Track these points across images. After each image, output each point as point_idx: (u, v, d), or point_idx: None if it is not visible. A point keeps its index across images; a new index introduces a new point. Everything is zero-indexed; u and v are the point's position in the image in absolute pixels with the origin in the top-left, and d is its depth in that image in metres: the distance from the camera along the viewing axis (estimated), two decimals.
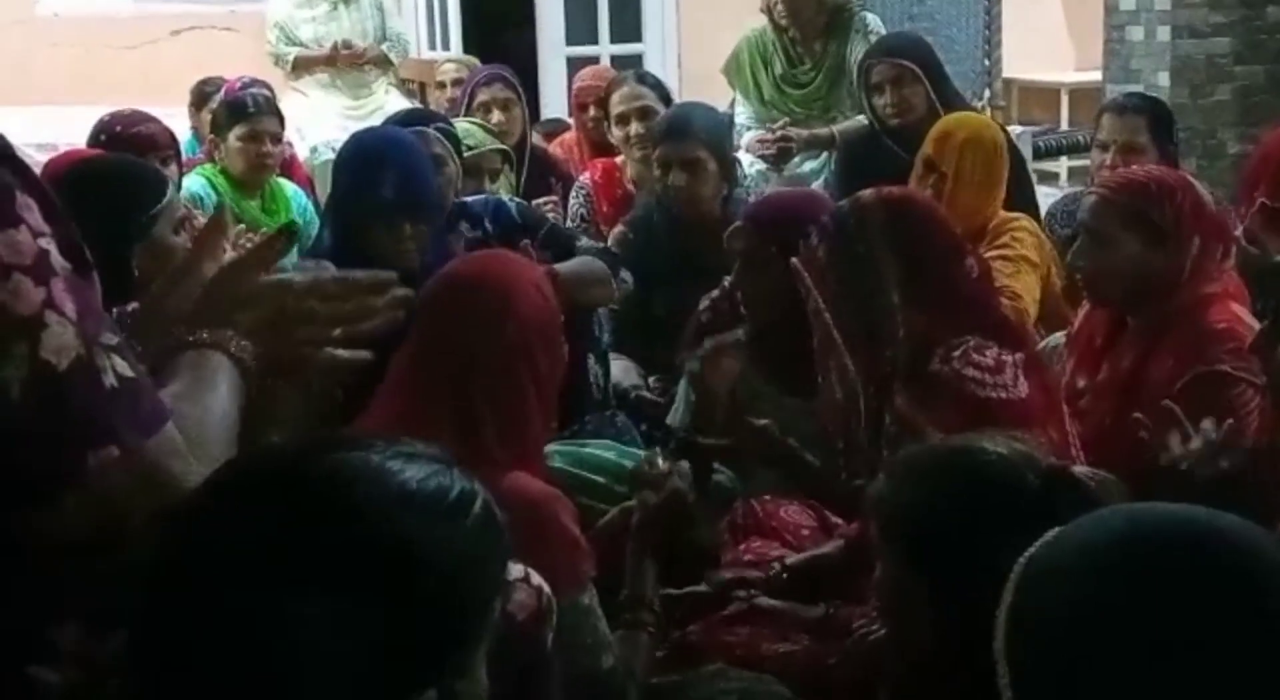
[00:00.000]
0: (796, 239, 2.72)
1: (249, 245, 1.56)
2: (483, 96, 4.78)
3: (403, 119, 4.05)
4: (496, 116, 4.68)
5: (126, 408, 1.22)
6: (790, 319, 2.76)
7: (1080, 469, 1.78)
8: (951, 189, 3.58)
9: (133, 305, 1.96)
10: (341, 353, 1.51)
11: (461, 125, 4.20)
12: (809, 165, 4.87)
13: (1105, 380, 2.80)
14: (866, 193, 2.63)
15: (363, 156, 3.17)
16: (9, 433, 1.17)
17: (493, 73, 4.96)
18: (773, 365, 3.01)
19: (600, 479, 2.74)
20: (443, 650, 1.10)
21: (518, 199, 3.89)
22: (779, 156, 4.79)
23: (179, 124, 5.08)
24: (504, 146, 4.30)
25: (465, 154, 3.96)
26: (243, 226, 3.79)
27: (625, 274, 3.39)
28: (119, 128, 3.94)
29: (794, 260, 2.63)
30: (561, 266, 2.99)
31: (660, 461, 2.49)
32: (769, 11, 5.05)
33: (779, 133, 4.80)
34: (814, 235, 2.62)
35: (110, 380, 1.22)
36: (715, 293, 3.15)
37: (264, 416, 1.44)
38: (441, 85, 5.61)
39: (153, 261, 2.64)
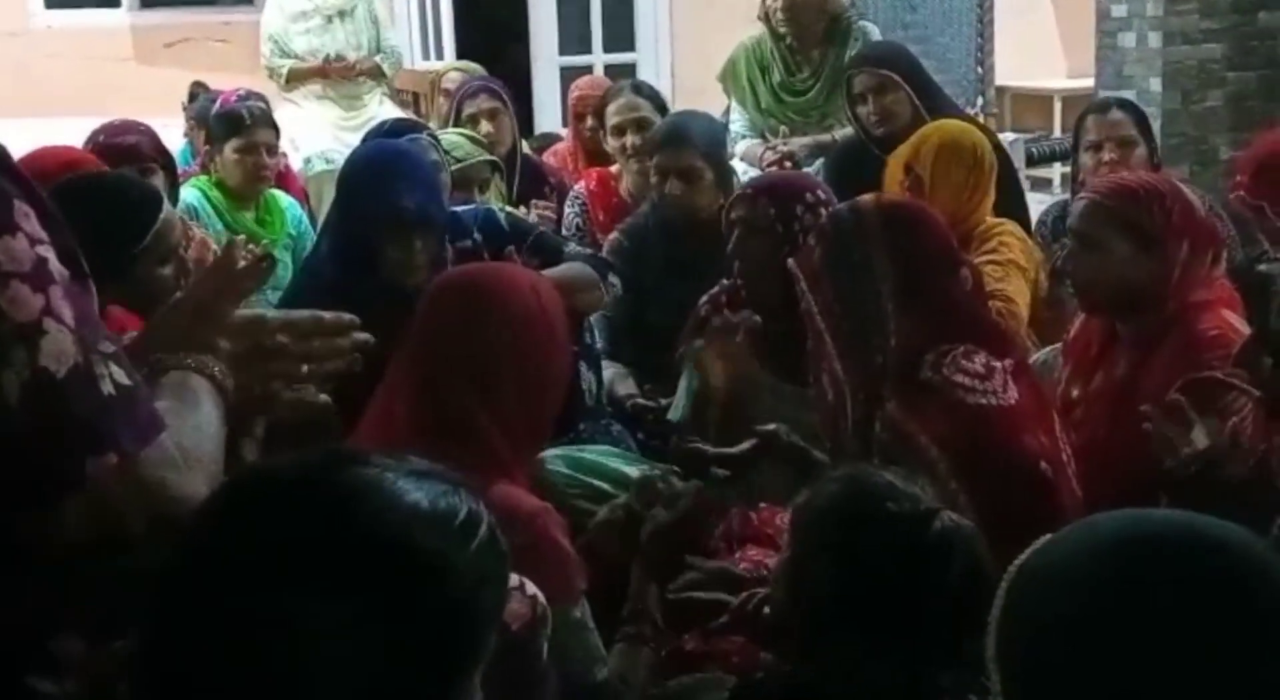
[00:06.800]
0: (794, 206, 2.98)
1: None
2: (469, 108, 4.77)
3: (389, 130, 4.03)
4: (485, 127, 4.66)
5: (124, 415, 1.23)
6: (788, 299, 2.74)
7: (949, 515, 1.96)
8: (929, 193, 3.56)
9: (129, 334, 1.97)
10: (305, 393, 1.54)
11: (449, 137, 4.20)
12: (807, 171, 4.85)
13: (1098, 390, 2.81)
14: (865, 198, 2.64)
15: (376, 170, 3.11)
16: (8, 439, 1.18)
17: (478, 84, 4.94)
18: (772, 351, 3.00)
19: (601, 484, 2.74)
20: (444, 668, 1.11)
21: (507, 208, 3.88)
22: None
23: (173, 135, 5.08)
24: (492, 157, 4.29)
25: (453, 166, 3.96)
26: (242, 237, 3.77)
27: (613, 278, 3.38)
28: (103, 137, 3.93)
29: (790, 262, 2.65)
30: (546, 272, 2.97)
31: (674, 481, 2.50)
32: (767, 19, 5.03)
33: (781, 151, 4.77)
34: (811, 238, 2.64)
35: (108, 388, 1.22)
36: (714, 290, 3.16)
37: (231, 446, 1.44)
38: (447, 92, 5.59)
39: (140, 298, 2.62)
